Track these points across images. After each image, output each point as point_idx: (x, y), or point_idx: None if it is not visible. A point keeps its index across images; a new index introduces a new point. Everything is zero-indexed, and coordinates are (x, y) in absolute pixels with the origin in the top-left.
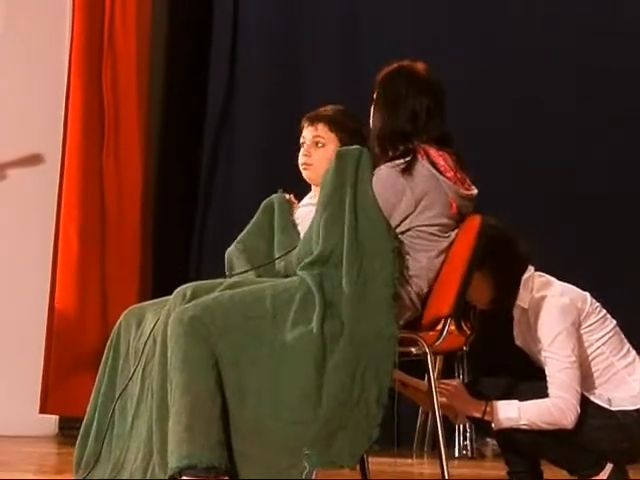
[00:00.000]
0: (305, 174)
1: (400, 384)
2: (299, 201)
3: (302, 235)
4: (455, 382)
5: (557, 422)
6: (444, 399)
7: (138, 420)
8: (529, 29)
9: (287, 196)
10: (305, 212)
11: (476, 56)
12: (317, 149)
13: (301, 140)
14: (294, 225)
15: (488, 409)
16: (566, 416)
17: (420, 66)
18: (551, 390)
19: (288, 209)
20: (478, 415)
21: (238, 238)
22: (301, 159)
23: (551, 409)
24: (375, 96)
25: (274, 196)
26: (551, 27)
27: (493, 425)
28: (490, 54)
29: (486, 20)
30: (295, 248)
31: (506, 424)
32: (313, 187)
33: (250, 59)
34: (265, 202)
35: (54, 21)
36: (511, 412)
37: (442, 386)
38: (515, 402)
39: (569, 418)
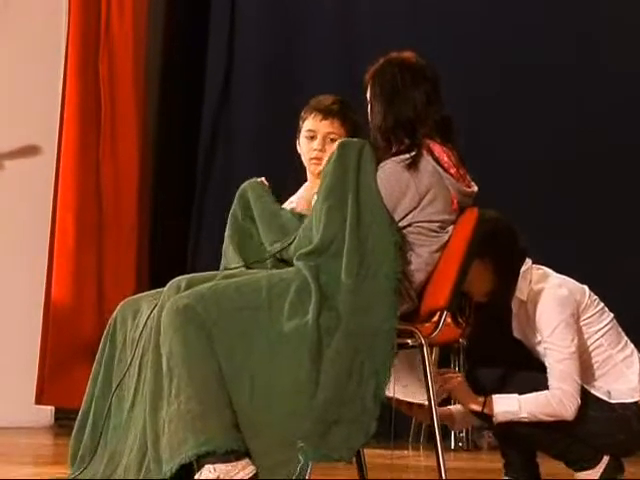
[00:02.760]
0: (315, 168)
1: (396, 401)
2: (289, 192)
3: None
4: (457, 375)
5: (557, 413)
6: (445, 394)
7: (134, 410)
8: (530, 27)
9: (259, 179)
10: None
11: (476, 53)
12: (329, 144)
13: (309, 132)
14: (280, 205)
15: (488, 402)
16: (566, 407)
17: (409, 54)
18: (551, 381)
19: (265, 191)
20: (478, 409)
21: (226, 232)
22: (314, 153)
23: (551, 401)
24: (369, 94)
25: (246, 183)
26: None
27: (493, 419)
28: (487, 51)
29: (484, 16)
30: (287, 236)
31: (506, 417)
32: (311, 178)
33: (248, 46)
34: (238, 191)
35: (50, 12)
36: (511, 406)
37: (447, 376)
38: (515, 395)
39: (569, 409)
